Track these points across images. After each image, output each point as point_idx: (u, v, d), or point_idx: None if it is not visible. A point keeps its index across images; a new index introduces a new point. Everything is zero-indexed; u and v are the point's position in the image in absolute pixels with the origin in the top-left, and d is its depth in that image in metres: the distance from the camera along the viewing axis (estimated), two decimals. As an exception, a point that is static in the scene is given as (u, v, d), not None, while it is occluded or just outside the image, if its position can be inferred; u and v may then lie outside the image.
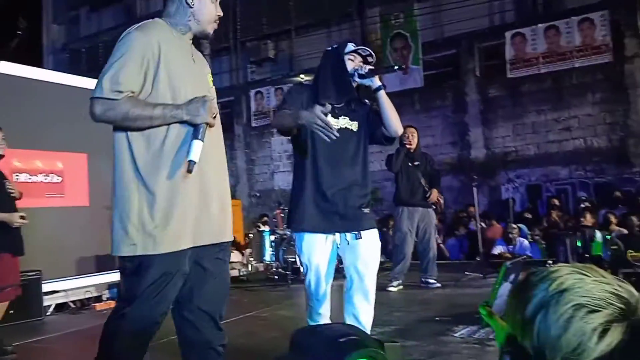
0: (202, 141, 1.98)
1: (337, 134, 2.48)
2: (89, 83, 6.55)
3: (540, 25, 10.97)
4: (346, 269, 2.84)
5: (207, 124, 2.00)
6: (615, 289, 0.87)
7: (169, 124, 1.98)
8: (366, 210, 2.83)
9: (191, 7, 2.11)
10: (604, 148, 10.58)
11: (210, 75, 2.28)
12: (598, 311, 0.84)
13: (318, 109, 2.44)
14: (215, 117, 2.06)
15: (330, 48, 2.96)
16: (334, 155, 2.77)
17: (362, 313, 2.80)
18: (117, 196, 2.03)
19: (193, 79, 2.11)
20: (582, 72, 10.72)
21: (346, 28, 13.76)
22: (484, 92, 11.83)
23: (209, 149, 2.06)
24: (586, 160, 10.69)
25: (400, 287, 5.82)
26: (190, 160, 1.95)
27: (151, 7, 17.21)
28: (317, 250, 2.77)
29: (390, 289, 5.75)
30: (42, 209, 5.70)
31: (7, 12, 19.33)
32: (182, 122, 1.98)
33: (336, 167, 2.77)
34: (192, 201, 2.03)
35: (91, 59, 18.25)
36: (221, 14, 2.19)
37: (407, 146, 5.90)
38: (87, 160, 6.21)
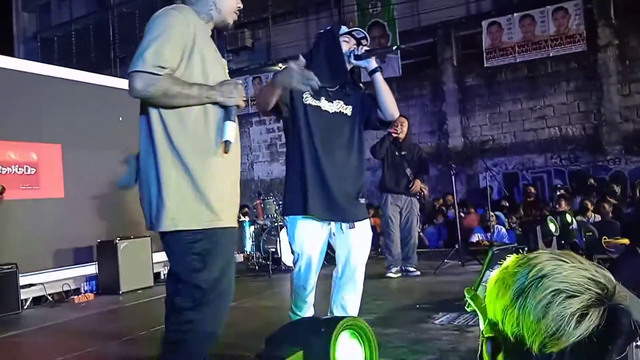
0: (234, 122, 2.03)
1: (319, 83, 2.36)
2: (62, 72, 6.43)
3: (515, 14, 11.07)
4: (337, 259, 2.79)
5: (237, 106, 2.05)
6: (593, 275, 0.89)
7: (201, 104, 2.00)
8: (362, 200, 2.78)
9: None
10: (578, 136, 10.77)
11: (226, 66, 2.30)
12: (576, 296, 0.86)
13: (291, 63, 2.34)
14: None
15: (323, 30, 2.88)
16: (330, 140, 2.69)
17: (350, 304, 2.80)
18: (148, 173, 1.98)
19: (219, 66, 2.14)
20: (556, 61, 10.87)
21: (324, 17, 13.69)
22: (461, 81, 11.92)
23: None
24: (561, 148, 10.88)
25: (399, 274, 5.86)
26: (226, 141, 2.00)
27: (125, -5, 16.89)
28: (311, 237, 2.68)
29: (390, 275, 5.80)
30: (17, 202, 5.59)
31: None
32: (214, 103, 2.01)
33: (332, 152, 2.69)
34: (225, 181, 2.08)
35: (63, 47, 17.85)
36: (241, 5, 2.20)
37: (395, 135, 5.95)
38: (61, 151, 6.10)
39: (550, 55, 10.78)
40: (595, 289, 0.87)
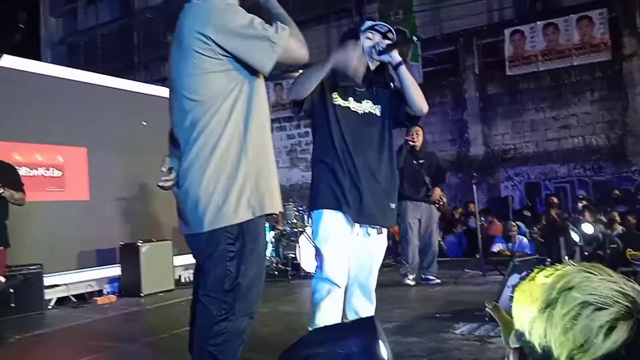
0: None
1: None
2: (88, 77, 6.56)
3: (539, 22, 10.98)
4: (353, 262, 2.67)
5: None
6: (622, 287, 0.89)
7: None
8: (393, 206, 2.70)
9: None
10: (602, 146, 10.62)
11: None
12: (604, 309, 0.86)
13: (351, 43, 2.27)
14: None
15: (348, 28, 2.82)
16: (360, 141, 2.60)
17: (364, 309, 2.75)
18: (215, 168, 1.93)
19: None
20: (580, 70, 10.75)
21: (345, 24, 13.73)
22: (483, 90, 11.84)
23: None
24: (585, 158, 10.73)
25: (415, 282, 5.83)
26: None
27: (149, 1, 17.15)
28: (342, 233, 2.56)
29: (407, 282, 5.79)
30: (43, 203, 5.70)
31: (7, 4, 19.25)
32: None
33: (364, 153, 2.59)
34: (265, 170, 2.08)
35: (89, 52, 18.19)
36: None
37: (411, 143, 5.95)
38: (87, 154, 6.21)
39: (574, 64, 10.66)
40: (624, 301, 0.87)
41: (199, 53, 1.91)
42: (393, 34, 2.65)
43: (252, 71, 2.00)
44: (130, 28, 17.29)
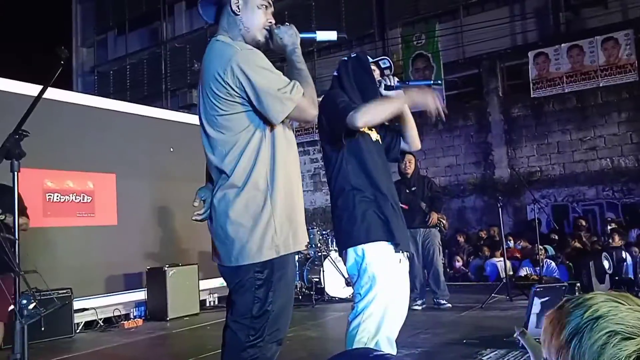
0: None
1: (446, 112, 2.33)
2: (117, 105, 6.75)
3: (563, 45, 10.93)
4: None
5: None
6: None
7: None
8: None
9: (238, 15, 2.08)
10: (631, 168, 10.42)
11: None
12: (632, 338, 0.86)
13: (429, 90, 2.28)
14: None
15: (349, 57, 2.71)
16: (385, 168, 2.60)
17: (395, 335, 2.56)
18: (241, 207, 1.95)
19: None
20: (607, 92, 10.62)
21: (368, 49, 13.87)
22: (507, 112, 11.78)
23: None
24: (613, 180, 10.53)
25: (424, 305, 5.91)
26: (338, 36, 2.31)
27: (176, 31, 17.63)
28: (398, 268, 2.46)
29: (415, 307, 5.81)
30: (73, 228, 5.84)
31: (44, 36, 19.96)
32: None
33: (389, 181, 2.58)
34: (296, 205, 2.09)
35: (118, 80, 18.71)
36: (273, 20, 2.16)
37: (404, 172, 6.13)
38: (115, 180, 6.36)
39: (600, 85, 10.54)
40: None
41: (219, 95, 1.95)
42: (391, 69, 2.67)
43: None
44: (158, 56, 17.76)
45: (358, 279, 2.46)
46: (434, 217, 5.99)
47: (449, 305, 5.85)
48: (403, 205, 5.70)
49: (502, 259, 6.92)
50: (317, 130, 14.06)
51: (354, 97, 2.52)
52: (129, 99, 15.49)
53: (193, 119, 7.07)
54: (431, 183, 6.37)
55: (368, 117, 2.41)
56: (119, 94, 17.15)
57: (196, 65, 15.98)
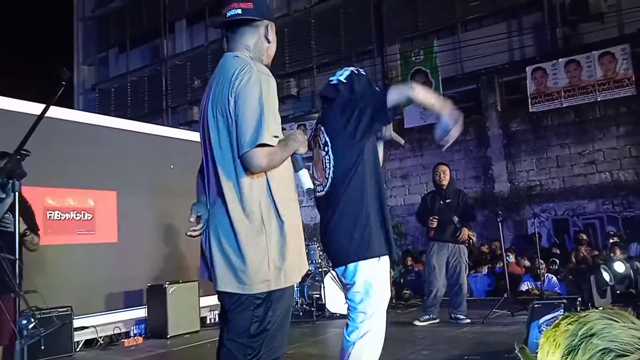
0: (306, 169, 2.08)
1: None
2: (117, 122, 6.78)
3: (560, 59, 11.03)
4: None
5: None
6: None
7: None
8: None
9: (269, 43, 2.13)
10: (630, 181, 10.44)
11: None
12: (625, 355, 0.87)
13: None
14: None
15: (360, 71, 2.77)
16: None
17: None
18: (240, 236, 1.93)
19: None
20: (605, 106, 10.69)
21: (367, 65, 13.97)
22: (506, 127, 11.83)
23: None
24: (613, 193, 10.55)
25: (430, 321, 5.82)
26: (308, 189, 2.09)
27: (177, 48, 17.78)
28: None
29: (417, 322, 5.76)
30: (74, 246, 5.83)
31: (46, 54, 20.10)
32: (294, 153, 2.07)
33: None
34: (301, 234, 2.10)
35: (119, 98, 18.84)
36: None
37: (439, 184, 6.06)
38: (116, 197, 6.37)
39: (598, 99, 10.62)
40: None
41: (220, 116, 1.97)
42: None
43: None
44: (159, 74, 17.89)
45: (366, 293, 2.45)
46: (465, 233, 5.87)
47: (468, 320, 5.76)
48: (434, 218, 5.74)
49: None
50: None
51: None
52: (129, 116, 15.59)
53: (193, 136, 7.10)
54: (466, 197, 6.28)
55: (422, 93, 2.45)
56: (119, 112, 17.27)
57: (197, 82, 16.09)
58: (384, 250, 2.48)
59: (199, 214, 2.05)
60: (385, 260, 2.50)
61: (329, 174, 2.58)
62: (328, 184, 2.59)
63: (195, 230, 2.05)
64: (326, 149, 2.60)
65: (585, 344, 0.90)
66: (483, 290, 8.20)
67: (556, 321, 1.01)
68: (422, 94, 2.44)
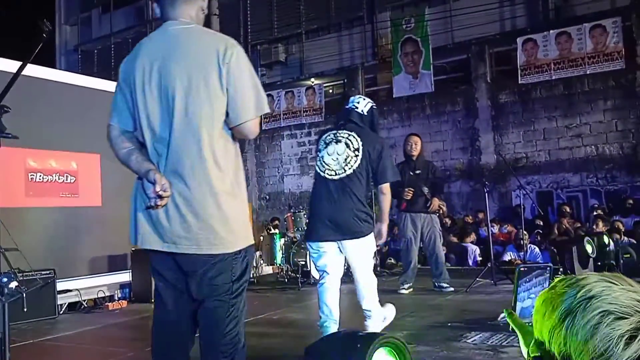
0: None
1: None
2: (101, 84, 6.62)
3: (551, 31, 10.95)
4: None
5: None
6: None
7: None
8: None
9: (203, 15, 2.16)
10: (615, 155, 10.53)
11: None
12: (625, 318, 0.86)
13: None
14: None
15: (373, 107, 3.75)
16: None
17: None
18: (227, 201, 2.00)
19: None
20: (593, 79, 10.68)
21: (357, 32, 13.78)
22: (495, 98, 11.81)
23: None
24: (598, 167, 10.65)
25: (411, 289, 5.93)
26: None
27: (163, 10, 17.34)
28: None
29: (402, 291, 5.86)
30: (56, 209, 5.76)
31: (26, 13, 19.52)
32: None
33: None
34: None
35: (103, 60, 18.40)
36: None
37: (409, 154, 6.05)
38: (99, 161, 6.27)
39: (587, 72, 10.60)
40: None
41: (203, 86, 2.00)
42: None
43: None
44: (143, 36, 17.36)
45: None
46: (435, 203, 5.91)
47: (452, 288, 5.84)
48: (410, 190, 5.75)
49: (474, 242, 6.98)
50: (305, 114, 13.81)
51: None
52: (113, 78, 15.24)
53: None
54: (435, 168, 6.30)
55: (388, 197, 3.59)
56: (103, 74, 16.82)
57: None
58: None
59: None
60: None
61: (350, 167, 3.45)
62: (345, 174, 3.45)
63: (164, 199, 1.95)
64: (356, 153, 3.48)
65: (584, 307, 0.89)
66: (475, 260, 8.28)
67: (552, 283, 1.00)
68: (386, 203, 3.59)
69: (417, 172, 5.97)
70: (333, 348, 1.90)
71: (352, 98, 3.77)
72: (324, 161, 3.50)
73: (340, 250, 3.45)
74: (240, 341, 2.05)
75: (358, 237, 3.34)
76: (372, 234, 3.42)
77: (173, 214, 1.96)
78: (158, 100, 1.98)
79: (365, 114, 3.62)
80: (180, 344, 2.13)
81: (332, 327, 3.40)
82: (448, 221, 10.17)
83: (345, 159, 3.44)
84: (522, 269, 3.71)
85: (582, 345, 0.87)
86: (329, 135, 3.58)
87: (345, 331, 2.71)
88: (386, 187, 3.48)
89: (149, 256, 2.15)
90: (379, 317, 3.55)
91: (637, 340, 0.84)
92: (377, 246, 3.75)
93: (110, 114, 2.12)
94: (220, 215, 1.97)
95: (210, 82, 1.94)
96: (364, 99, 3.72)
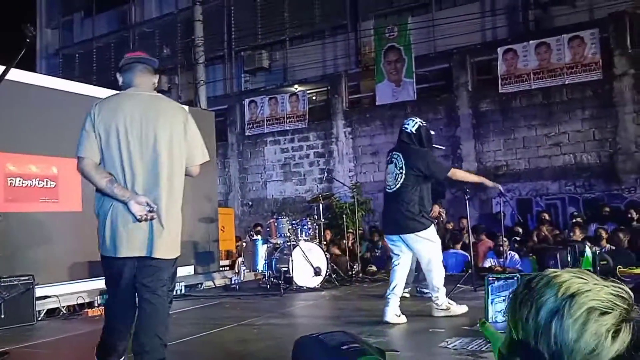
0: None
1: None
2: (82, 88, 6.57)
3: (531, 42, 11.15)
4: None
5: None
6: (617, 291, 0.92)
7: None
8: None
9: (155, 86, 2.97)
10: (593, 164, 10.73)
11: None
12: (608, 313, 0.88)
13: None
14: None
15: (422, 125, 4.61)
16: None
17: None
18: (179, 217, 2.86)
19: None
20: (572, 89, 10.90)
21: (340, 40, 13.88)
22: (476, 107, 11.97)
23: None
24: (576, 175, 10.84)
25: (408, 296, 5.88)
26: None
27: (145, 15, 17.26)
28: None
29: (405, 295, 5.82)
30: (36, 214, 5.68)
31: (7, 16, 19.23)
32: None
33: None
34: None
35: (84, 64, 18.23)
36: None
37: None
38: (81, 166, 6.20)
39: (566, 82, 10.81)
40: (622, 304, 0.90)
41: (176, 140, 2.88)
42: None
43: None
44: (126, 41, 17.36)
45: None
46: (436, 209, 5.90)
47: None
48: None
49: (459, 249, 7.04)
50: (288, 121, 13.88)
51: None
52: (95, 83, 15.11)
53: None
54: None
55: (460, 175, 4.78)
56: (85, 78, 16.69)
57: (166, 51, 15.68)
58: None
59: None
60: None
61: (399, 182, 4.50)
62: (397, 187, 4.52)
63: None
64: (401, 170, 4.51)
65: (569, 305, 0.90)
66: (460, 267, 8.33)
67: (524, 282, 1.00)
68: (460, 174, 4.75)
69: None
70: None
71: (405, 120, 4.68)
72: (386, 177, 4.65)
73: (403, 240, 4.54)
74: None
75: (410, 232, 4.47)
76: (426, 228, 4.47)
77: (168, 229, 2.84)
78: (139, 143, 2.66)
79: (414, 132, 4.50)
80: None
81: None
82: (449, 227, 10.19)
83: (395, 177, 4.51)
84: (490, 279, 3.81)
85: (574, 343, 0.89)
86: (388, 156, 4.66)
87: (331, 336, 2.69)
88: (449, 177, 4.63)
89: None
90: (442, 301, 4.63)
91: (621, 333, 0.87)
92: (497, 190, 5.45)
93: (80, 148, 2.67)
94: (177, 231, 2.88)
95: (182, 135, 2.76)
96: (413, 120, 4.61)
